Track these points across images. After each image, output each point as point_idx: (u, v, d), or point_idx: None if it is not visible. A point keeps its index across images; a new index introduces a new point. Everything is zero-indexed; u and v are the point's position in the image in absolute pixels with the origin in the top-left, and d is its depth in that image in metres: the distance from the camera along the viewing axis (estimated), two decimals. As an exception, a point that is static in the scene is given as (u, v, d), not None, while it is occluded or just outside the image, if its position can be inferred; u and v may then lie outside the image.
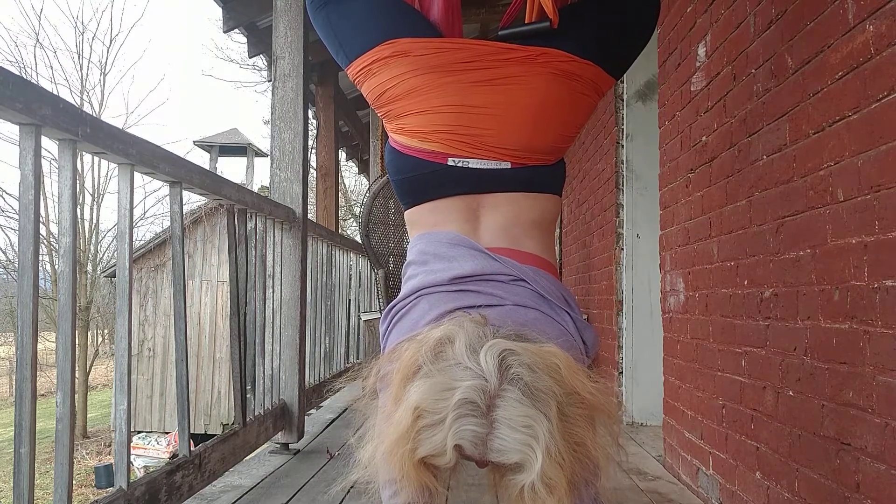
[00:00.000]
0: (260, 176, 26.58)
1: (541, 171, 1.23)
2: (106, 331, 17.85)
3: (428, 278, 1.16)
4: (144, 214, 15.70)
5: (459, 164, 1.18)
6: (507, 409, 0.87)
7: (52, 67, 23.04)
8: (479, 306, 1.09)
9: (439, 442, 0.87)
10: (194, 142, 14.48)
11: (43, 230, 13.24)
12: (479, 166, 1.18)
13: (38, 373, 1.34)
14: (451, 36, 1.28)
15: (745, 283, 1.87)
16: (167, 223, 13.53)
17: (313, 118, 6.52)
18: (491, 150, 1.18)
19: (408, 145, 1.22)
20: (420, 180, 1.22)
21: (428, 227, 1.24)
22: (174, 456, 7.14)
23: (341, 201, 13.32)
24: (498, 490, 0.97)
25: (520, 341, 0.94)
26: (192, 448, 2.00)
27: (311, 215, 3.54)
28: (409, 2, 1.29)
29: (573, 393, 0.90)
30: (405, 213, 1.30)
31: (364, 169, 9.83)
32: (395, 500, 1.02)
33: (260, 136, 21.18)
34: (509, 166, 1.19)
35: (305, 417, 3.11)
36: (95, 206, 15.28)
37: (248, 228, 2.53)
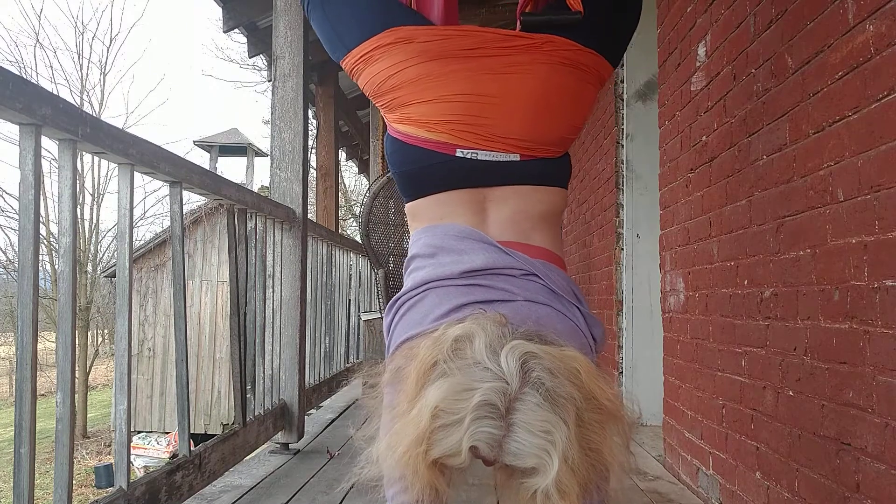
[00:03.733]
0: (260, 176, 26.56)
1: (549, 163, 1.21)
2: (106, 331, 17.83)
3: (436, 271, 1.13)
4: (144, 214, 15.70)
5: (468, 156, 1.15)
6: (526, 412, 0.86)
7: (52, 67, 22.93)
8: (491, 301, 1.07)
9: (455, 442, 0.86)
10: (194, 142, 14.48)
11: (43, 230, 13.23)
12: (488, 158, 1.16)
13: (38, 373, 1.34)
14: None
15: (745, 283, 1.87)
16: (167, 223, 13.52)
17: (313, 118, 6.52)
18: (500, 141, 1.16)
19: (413, 135, 1.19)
20: (426, 172, 1.19)
21: (433, 219, 1.20)
22: (174, 456, 7.14)
23: (341, 201, 13.32)
24: (501, 490, 0.97)
25: (540, 343, 0.92)
26: (192, 448, 2.00)
27: (311, 215, 3.54)
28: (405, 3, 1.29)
29: (592, 398, 0.89)
30: (407, 205, 1.26)
31: (364, 169, 9.83)
32: (401, 497, 1.01)
33: (260, 136, 21.15)
34: (518, 158, 1.17)
35: (305, 417, 3.11)
36: (95, 206, 15.29)
37: (248, 228, 2.53)
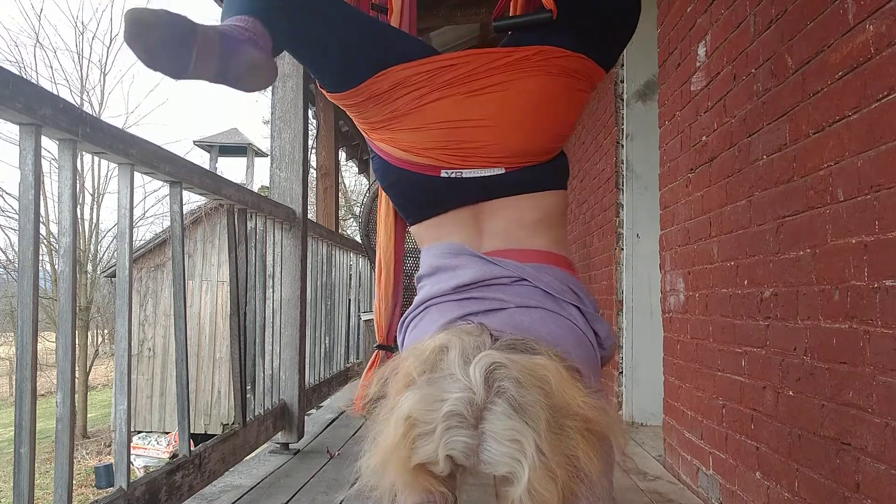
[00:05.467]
0: (260, 176, 26.53)
1: (537, 169, 1.22)
2: (106, 331, 17.83)
3: (434, 288, 1.18)
4: (144, 214, 15.70)
5: (453, 175, 1.19)
6: (493, 422, 0.87)
7: (52, 67, 23.06)
8: (485, 311, 1.10)
9: (431, 451, 0.88)
10: (194, 142, 14.48)
11: (43, 230, 13.23)
12: (472, 175, 1.19)
13: (38, 373, 1.34)
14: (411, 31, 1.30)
15: (745, 283, 1.88)
16: (167, 223, 13.51)
17: (313, 118, 6.52)
18: (483, 159, 1.18)
19: (399, 158, 1.22)
20: (417, 194, 1.23)
21: (432, 240, 1.25)
22: (174, 456, 7.14)
23: (341, 201, 13.32)
24: (498, 498, 0.98)
25: (514, 352, 0.93)
26: (192, 448, 2.00)
27: (311, 215, 3.54)
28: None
29: (564, 406, 0.89)
30: (410, 228, 1.31)
31: (364, 169, 9.83)
32: None
33: (260, 136, 21.15)
34: (503, 171, 1.19)
35: (305, 417, 3.11)
36: (95, 206, 15.28)
37: (248, 228, 2.53)
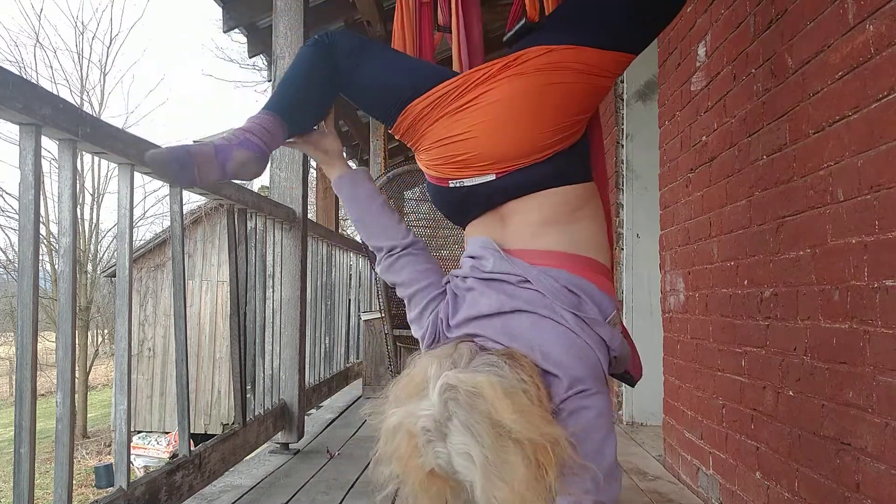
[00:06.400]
0: (260, 176, 26.46)
1: (531, 170, 1.26)
2: (106, 331, 17.82)
3: (466, 269, 1.33)
4: (144, 214, 15.68)
5: (457, 185, 1.31)
6: (452, 436, 1.01)
7: (52, 67, 22.92)
8: (490, 314, 1.22)
9: (426, 460, 1.02)
10: (194, 142, 14.44)
11: (43, 230, 13.22)
12: (471, 183, 1.30)
13: (38, 373, 1.34)
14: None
15: (745, 283, 1.88)
16: (167, 223, 13.50)
17: (313, 118, 6.50)
18: (474, 168, 1.28)
19: (428, 174, 1.39)
20: (444, 203, 1.40)
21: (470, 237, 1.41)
22: (174, 456, 7.14)
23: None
24: None
25: (474, 370, 1.06)
26: (192, 448, 2.00)
27: (311, 215, 3.54)
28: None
29: (500, 423, 1.00)
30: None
31: (364, 169, 9.82)
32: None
33: (260, 136, 21.05)
34: (494, 178, 1.27)
35: (305, 417, 3.11)
36: (95, 206, 15.26)
37: (248, 228, 2.53)
